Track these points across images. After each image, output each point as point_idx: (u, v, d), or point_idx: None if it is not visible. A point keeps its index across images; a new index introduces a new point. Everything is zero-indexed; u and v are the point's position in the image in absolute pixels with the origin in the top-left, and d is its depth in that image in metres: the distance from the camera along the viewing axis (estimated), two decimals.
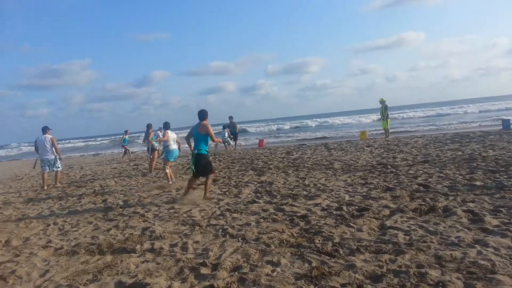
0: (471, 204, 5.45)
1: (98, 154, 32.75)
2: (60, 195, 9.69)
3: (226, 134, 20.04)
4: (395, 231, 4.56)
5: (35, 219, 7.14)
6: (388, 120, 19.02)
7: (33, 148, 12.00)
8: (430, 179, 7.48)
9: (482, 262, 3.51)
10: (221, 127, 21.13)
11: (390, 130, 19.73)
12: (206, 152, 7.48)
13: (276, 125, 52.76)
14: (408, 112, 50.74)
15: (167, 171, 9.86)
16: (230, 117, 20.52)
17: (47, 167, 11.36)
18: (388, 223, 4.93)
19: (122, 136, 22.53)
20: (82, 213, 7.28)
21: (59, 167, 11.62)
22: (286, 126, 50.68)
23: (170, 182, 9.71)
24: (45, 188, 11.16)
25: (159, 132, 14.07)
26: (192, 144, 7.64)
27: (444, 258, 3.66)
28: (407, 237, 4.35)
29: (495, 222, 4.62)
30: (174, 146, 10.13)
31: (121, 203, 7.97)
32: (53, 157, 11.40)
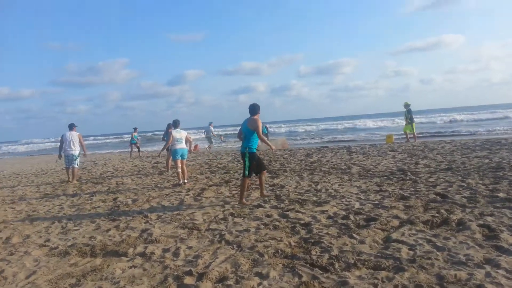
0: (488, 218, 5.02)
1: (125, 152, 33.27)
2: (75, 192, 9.77)
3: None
4: (400, 245, 4.23)
5: (42, 215, 7.19)
6: (413, 124, 18.27)
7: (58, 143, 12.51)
8: (449, 188, 7.03)
9: (489, 286, 3.16)
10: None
11: (414, 135, 18.84)
12: (256, 150, 7.00)
13: (305, 126, 51.95)
14: (442, 116, 48.98)
15: (178, 170, 9.76)
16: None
17: (68, 163, 11.83)
18: (394, 235, 4.60)
19: (131, 134, 22.14)
20: (89, 212, 7.26)
21: (76, 164, 11.95)
22: (314, 127, 49.90)
23: (181, 182, 9.63)
24: (69, 180, 11.82)
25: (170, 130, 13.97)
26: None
27: (446, 279, 3.32)
28: (411, 253, 4.02)
29: None
30: (178, 146, 9.82)
31: (130, 202, 7.92)
32: (76, 152, 11.84)
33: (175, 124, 10.15)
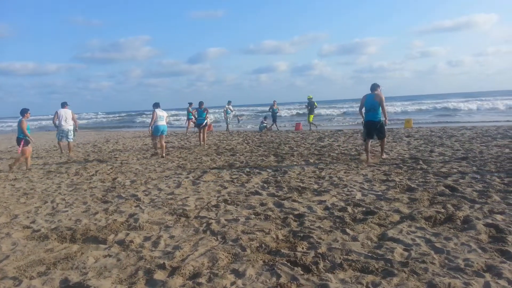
0: (498, 217, 4.59)
1: (139, 130, 33.40)
2: (77, 170, 9.67)
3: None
4: (394, 244, 3.88)
5: (38, 194, 7.08)
6: (311, 116, 21.67)
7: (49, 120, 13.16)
8: (461, 180, 6.57)
9: None
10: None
11: (309, 124, 21.70)
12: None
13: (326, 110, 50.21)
14: (470, 101, 47.04)
15: (156, 141, 11.94)
16: (274, 101, 22.98)
17: (63, 137, 12.82)
18: (390, 232, 4.24)
19: (187, 109, 21.28)
20: (85, 192, 7.12)
21: (71, 138, 12.91)
22: (335, 110, 48.09)
23: (158, 152, 11.82)
24: (62, 152, 13.25)
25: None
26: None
27: None
28: (405, 254, 3.67)
29: None
30: (160, 123, 11.59)
31: (128, 183, 7.75)
32: (70, 128, 12.82)
33: (156, 105, 11.66)
